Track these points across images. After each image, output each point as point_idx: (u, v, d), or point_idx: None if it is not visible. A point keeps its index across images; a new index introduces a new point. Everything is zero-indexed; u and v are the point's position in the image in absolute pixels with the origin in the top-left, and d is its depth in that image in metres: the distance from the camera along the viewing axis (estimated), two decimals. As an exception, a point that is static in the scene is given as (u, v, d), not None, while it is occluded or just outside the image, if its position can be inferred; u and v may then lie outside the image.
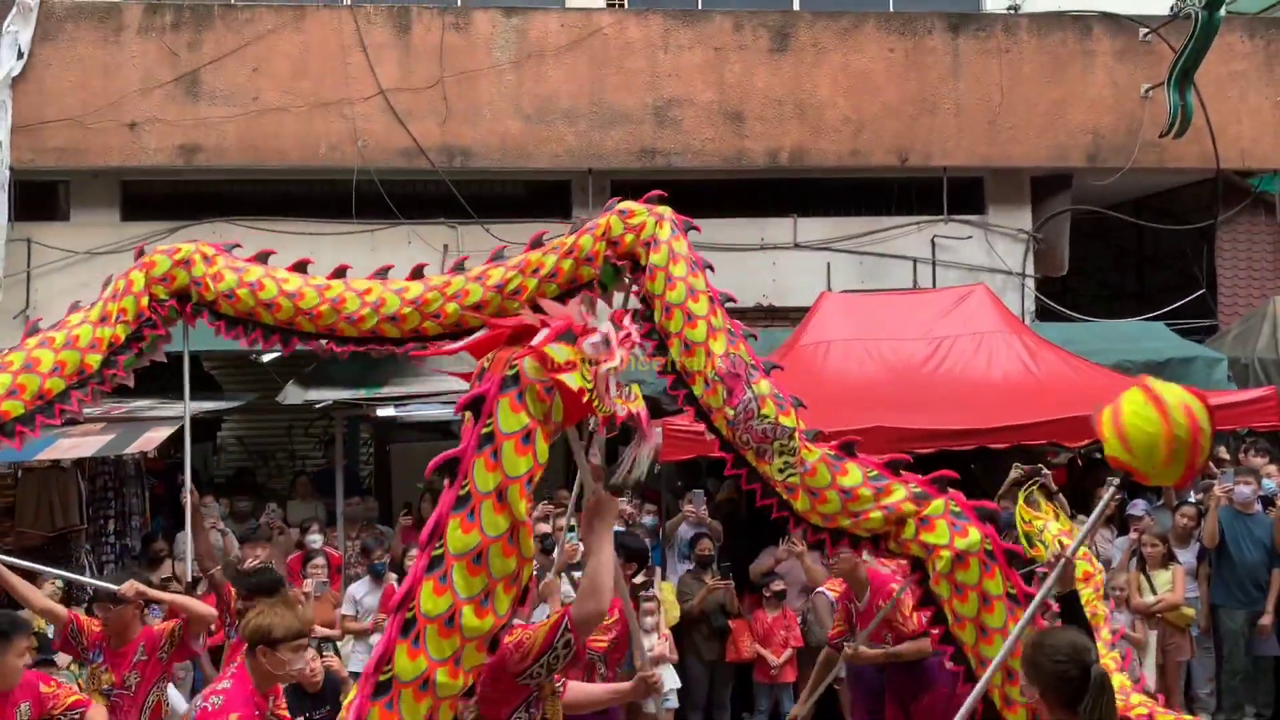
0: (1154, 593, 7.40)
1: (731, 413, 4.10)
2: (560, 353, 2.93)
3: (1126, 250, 13.81)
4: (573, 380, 2.92)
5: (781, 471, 4.08)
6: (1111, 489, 6.24)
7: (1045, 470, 6.82)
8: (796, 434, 4.08)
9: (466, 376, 3.19)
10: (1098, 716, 2.76)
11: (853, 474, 4.12)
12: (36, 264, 10.71)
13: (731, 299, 4.54)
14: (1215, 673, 7.77)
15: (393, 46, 10.98)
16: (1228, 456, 8.62)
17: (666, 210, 4.50)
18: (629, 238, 4.43)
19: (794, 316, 10.43)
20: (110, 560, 8.25)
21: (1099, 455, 8.79)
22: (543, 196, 11.69)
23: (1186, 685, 7.83)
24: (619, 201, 4.60)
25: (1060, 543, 4.61)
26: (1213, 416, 3.31)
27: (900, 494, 4.08)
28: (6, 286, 10.35)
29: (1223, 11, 10.94)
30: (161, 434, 7.46)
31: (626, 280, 4.50)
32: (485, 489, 2.85)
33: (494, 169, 11.16)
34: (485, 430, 2.90)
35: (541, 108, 11.06)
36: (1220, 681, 7.75)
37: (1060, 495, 7.09)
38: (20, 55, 10.45)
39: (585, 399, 2.95)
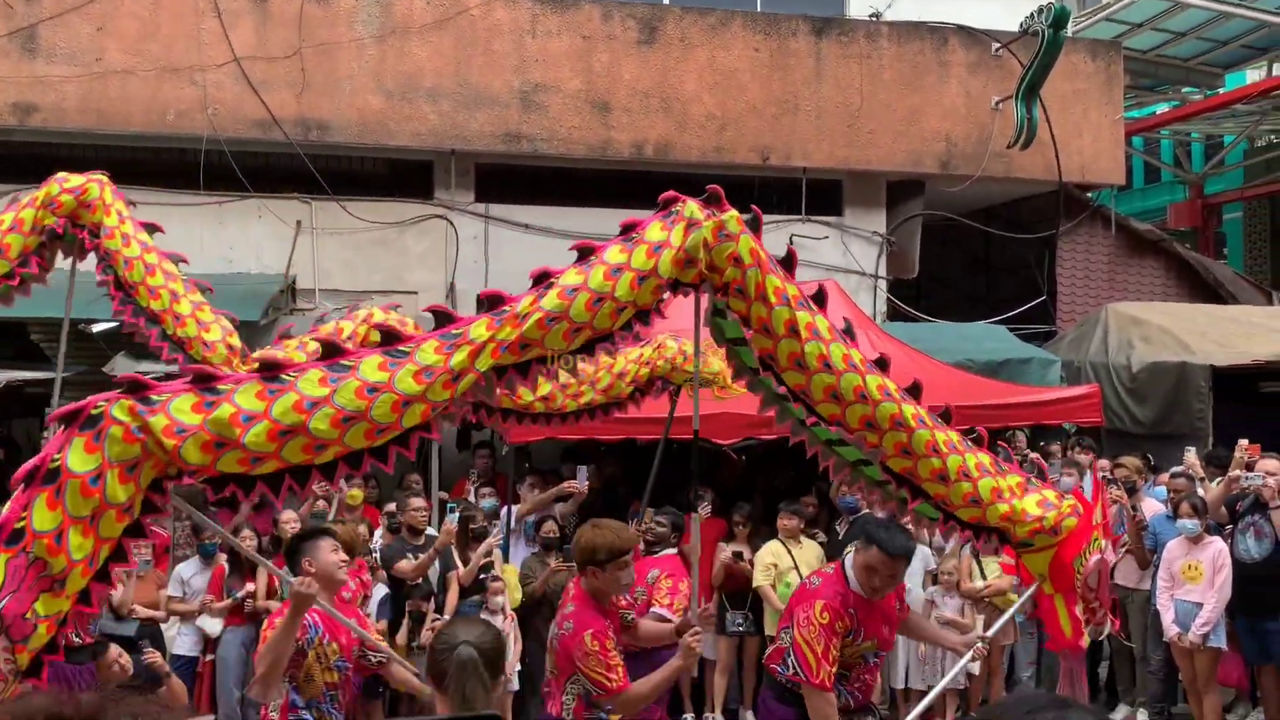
0: (984, 579, 7.67)
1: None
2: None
3: (976, 257, 14.36)
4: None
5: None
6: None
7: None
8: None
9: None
10: (460, 695, 2.95)
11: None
12: None
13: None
14: (1036, 656, 8.09)
15: (249, 13, 10.59)
16: (1056, 450, 9.01)
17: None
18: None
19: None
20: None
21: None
22: (405, 176, 11.46)
23: (1010, 669, 8.14)
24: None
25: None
26: None
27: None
28: None
29: (1068, 30, 11.49)
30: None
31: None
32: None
33: (353, 145, 10.88)
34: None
35: (404, 85, 10.84)
36: (1040, 664, 8.08)
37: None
38: None
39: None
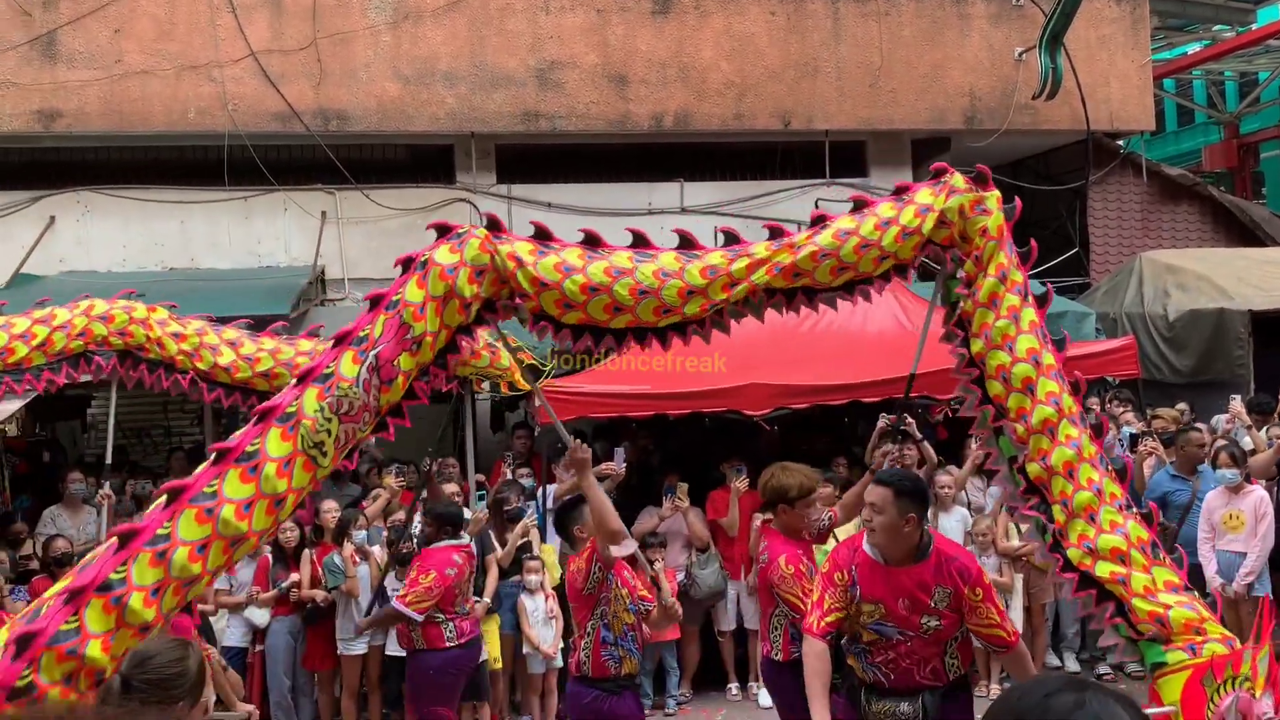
0: (1020, 538, 7.62)
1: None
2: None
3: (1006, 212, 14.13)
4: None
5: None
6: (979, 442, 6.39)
7: (908, 418, 6.97)
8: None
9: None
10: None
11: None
12: (-115, 236, 10.16)
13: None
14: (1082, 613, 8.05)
15: (263, 7, 10.62)
16: (1094, 405, 8.90)
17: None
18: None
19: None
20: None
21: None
22: (426, 161, 11.48)
23: (1055, 626, 8.10)
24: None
25: None
26: None
27: None
28: None
29: (1090, -25, 11.23)
30: (10, 405, 7.11)
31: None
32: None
33: (372, 133, 10.91)
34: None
35: (420, 70, 10.84)
36: (1085, 622, 8.03)
37: (924, 442, 7.27)
38: None
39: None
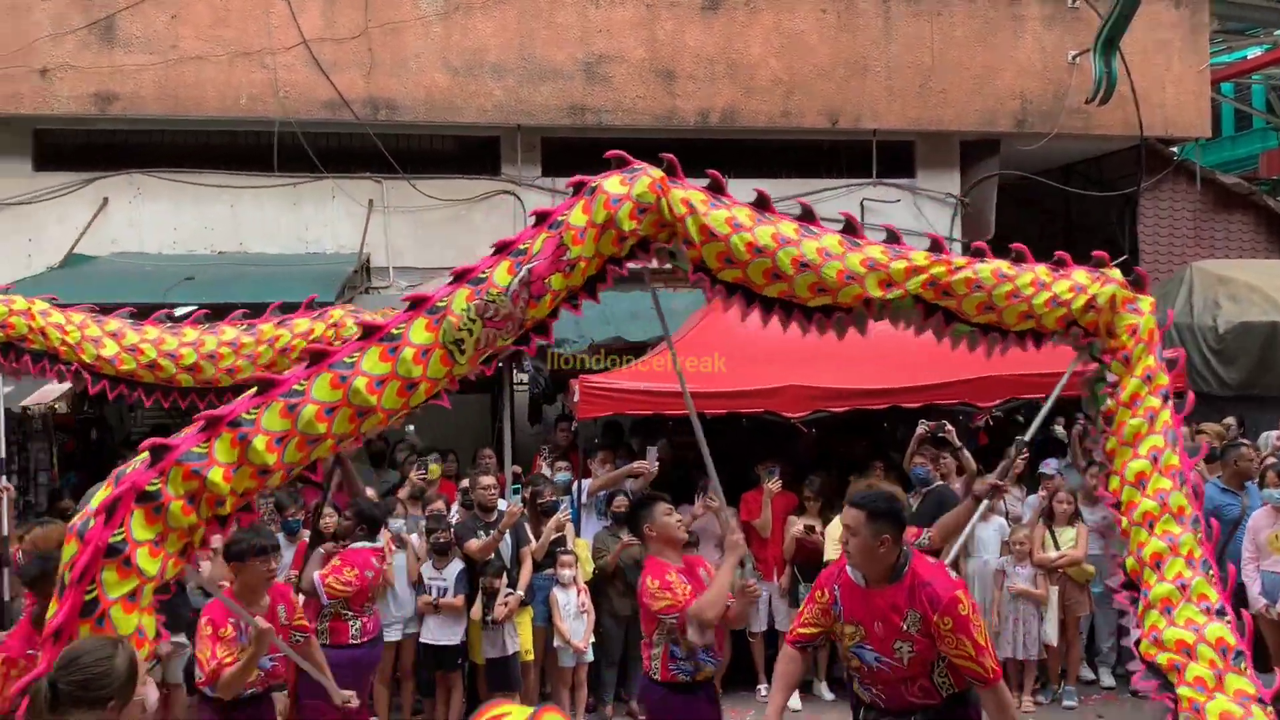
0: (1058, 549, 7.55)
1: None
2: None
3: (1053, 216, 13.98)
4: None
5: None
6: (1017, 449, 6.35)
7: (948, 425, 6.93)
8: None
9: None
10: None
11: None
12: (-56, 213, 10.40)
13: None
14: (1117, 627, 7.96)
15: (316, -5, 10.72)
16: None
17: None
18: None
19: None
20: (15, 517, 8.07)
21: (1005, 415, 8.96)
22: (473, 152, 11.53)
23: (1090, 640, 8.02)
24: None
25: None
26: None
27: None
28: (-89, 236, 10.04)
29: (1149, -21, 11.04)
30: (58, 386, 7.26)
31: None
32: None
33: (420, 123, 10.98)
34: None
35: (469, 61, 10.89)
36: (1121, 637, 7.95)
37: (963, 450, 7.22)
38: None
39: None
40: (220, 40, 10.58)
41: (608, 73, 11.12)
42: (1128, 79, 11.56)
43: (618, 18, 11.16)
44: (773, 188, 12.47)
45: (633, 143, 11.43)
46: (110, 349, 5.50)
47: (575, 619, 7.36)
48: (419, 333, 3.60)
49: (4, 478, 5.87)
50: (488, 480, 7.66)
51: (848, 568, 4.01)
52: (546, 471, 8.57)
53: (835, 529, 7.61)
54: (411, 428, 9.59)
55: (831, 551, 7.54)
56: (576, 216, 3.72)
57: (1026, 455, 7.93)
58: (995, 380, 7.53)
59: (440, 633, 7.03)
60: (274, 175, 10.73)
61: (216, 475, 3.36)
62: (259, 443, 3.39)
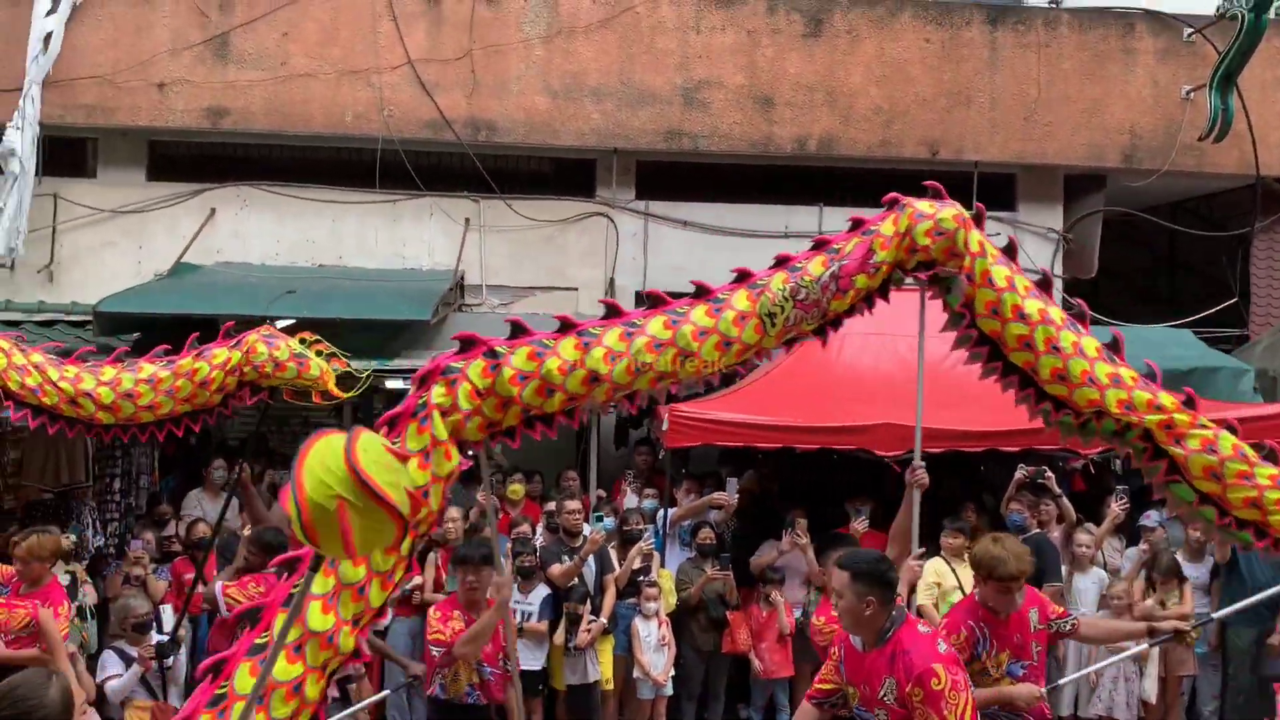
0: (1163, 607, 7.26)
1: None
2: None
3: (1159, 254, 13.55)
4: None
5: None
6: (1116, 497, 6.12)
7: (1048, 471, 6.73)
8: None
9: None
10: None
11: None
12: (62, 219, 10.79)
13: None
14: (1220, 690, 7.63)
15: (423, 16, 10.91)
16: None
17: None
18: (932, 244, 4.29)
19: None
20: (114, 519, 8.31)
21: (1105, 462, 8.66)
22: (568, 174, 11.61)
23: (1190, 702, 7.70)
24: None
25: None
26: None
27: None
28: (31, 241, 10.42)
29: (1271, 14, 10.67)
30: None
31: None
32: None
33: (519, 144, 11.09)
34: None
35: (569, 85, 10.97)
36: (1225, 699, 7.61)
37: (1063, 498, 7.00)
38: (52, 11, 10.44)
39: None
40: (328, 59, 10.83)
41: (706, 98, 11.10)
42: (1244, 116, 11.17)
43: (718, 43, 11.14)
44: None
45: (728, 168, 11.57)
46: (34, 380, 5.43)
47: (656, 651, 7.31)
48: (740, 300, 3.98)
49: None
50: (574, 505, 7.66)
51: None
52: (632, 497, 8.55)
53: (927, 573, 7.43)
54: (499, 447, 9.65)
55: (922, 596, 7.36)
56: (886, 227, 4.13)
57: (1127, 505, 7.68)
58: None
59: (523, 657, 7.02)
60: (375, 192, 10.93)
61: (552, 365, 3.70)
62: (598, 353, 3.77)
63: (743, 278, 4.08)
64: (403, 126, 10.80)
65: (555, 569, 7.21)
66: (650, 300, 4.05)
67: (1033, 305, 4.16)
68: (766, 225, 11.29)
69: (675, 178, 11.53)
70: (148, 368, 5.63)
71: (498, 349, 3.72)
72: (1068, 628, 4.92)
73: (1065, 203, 11.84)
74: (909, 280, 4.32)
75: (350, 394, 6.43)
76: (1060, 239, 11.72)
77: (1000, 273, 4.15)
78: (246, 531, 6.91)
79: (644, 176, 11.49)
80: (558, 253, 11.26)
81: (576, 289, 11.21)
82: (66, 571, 6.73)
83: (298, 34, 10.84)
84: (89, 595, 6.81)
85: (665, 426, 7.77)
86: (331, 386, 6.04)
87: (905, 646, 3.73)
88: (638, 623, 7.29)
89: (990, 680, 4.52)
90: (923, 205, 4.16)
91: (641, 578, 7.40)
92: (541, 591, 7.12)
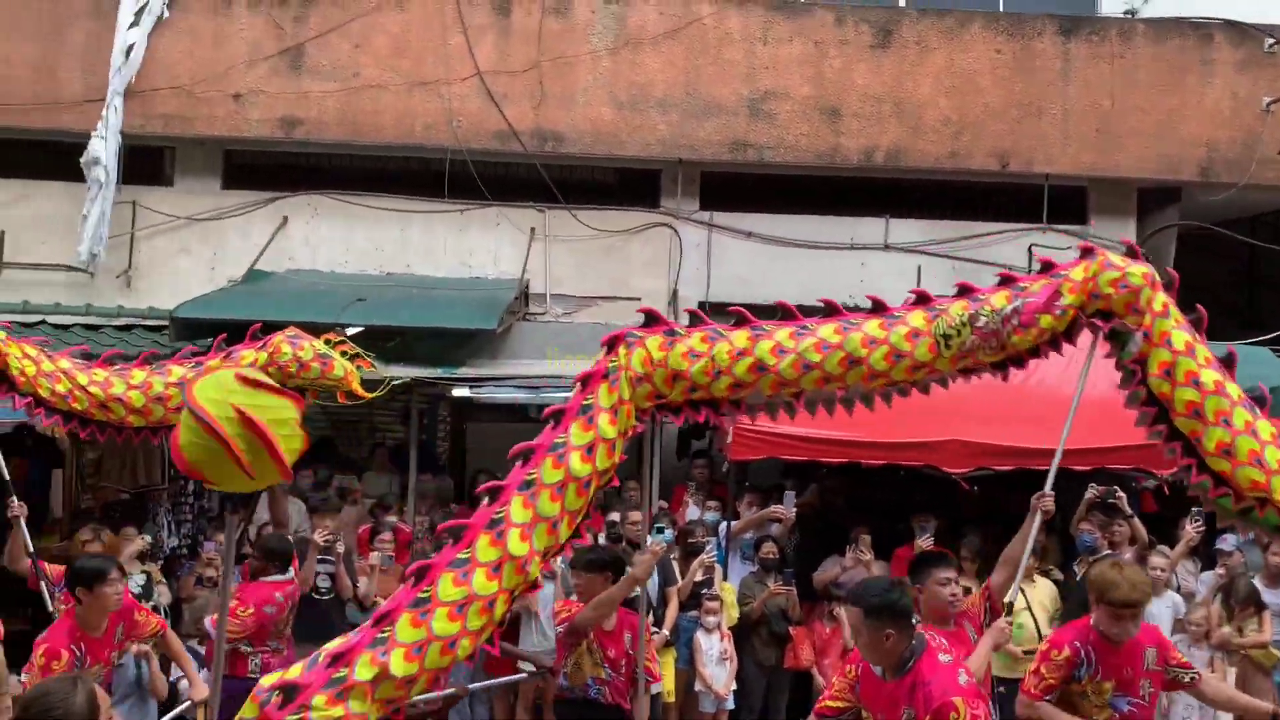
0: (1240, 634, 7.07)
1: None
2: None
3: (1237, 269, 13.20)
4: None
5: None
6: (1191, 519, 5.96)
7: (1119, 491, 6.58)
8: None
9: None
10: None
11: None
12: (140, 226, 11.05)
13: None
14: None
15: (492, 28, 11.03)
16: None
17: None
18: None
19: (879, 320, 10.23)
20: (187, 520, 8.50)
21: (1183, 485, 8.47)
22: (632, 185, 11.65)
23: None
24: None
25: None
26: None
27: None
28: (111, 247, 10.71)
29: (1357, 24, 10.36)
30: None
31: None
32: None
33: (584, 155, 11.15)
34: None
35: (636, 96, 11.02)
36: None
37: (1135, 519, 6.84)
38: (136, 22, 10.73)
39: None
40: (399, 70, 10.99)
41: (772, 109, 11.07)
42: (1328, 128, 10.87)
43: (785, 54, 11.11)
44: (934, 230, 12.30)
45: (793, 179, 11.52)
46: (64, 386, 5.47)
47: (717, 665, 7.29)
48: (916, 318, 4.10)
49: (14, 500, 5.92)
50: (637, 516, 7.66)
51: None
52: (694, 509, 8.54)
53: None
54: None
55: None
56: (1077, 272, 4.15)
57: (1202, 528, 7.49)
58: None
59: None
60: (443, 201, 11.06)
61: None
62: (767, 345, 4.03)
63: (922, 300, 4.18)
64: (471, 137, 10.92)
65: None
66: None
67: (1209, 375, 4.10)
68: (832, 237, 11.22)
69: (740, 189, 11.52)
70: (177, 370, 5.62)
71: (676, 329, 4.05)
72: (1187, 679, 4.72)
73: (1138, 216, 11.60)
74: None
75: (375, 394, 6.41)
76: (1132, 253, 11.46)
77: (1180, 337, 4.11)
78: (316, 536, 7.04)
79: (708, 187, 11.49)
80: (621, 263, 11.29)
81: (639, 299, 11.20)
82: (142, 571, 6.92)
83: (369, 46, 11.02)
84: (163, 595, 6.98)
85: (729, 439, 7.75)
86: (356, 386, 6.04)
87: (926, 678, 3.69)
88: (699, 636, 7.28)
89: (1089, 705, 4.44)
90: (1115, 258, 4.22)
91: (704, 590, 7.39)
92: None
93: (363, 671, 3.28)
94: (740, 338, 4.04)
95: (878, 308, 4.18)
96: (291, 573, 6.57)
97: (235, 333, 6.04)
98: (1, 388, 5.45)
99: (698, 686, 7.29)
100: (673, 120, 11.03)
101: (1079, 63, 11.20)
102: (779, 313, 4.25)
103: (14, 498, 5.94)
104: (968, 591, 7.42)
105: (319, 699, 3.21)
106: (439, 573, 3.52)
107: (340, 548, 7.38)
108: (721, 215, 11.38)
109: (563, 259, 11.20)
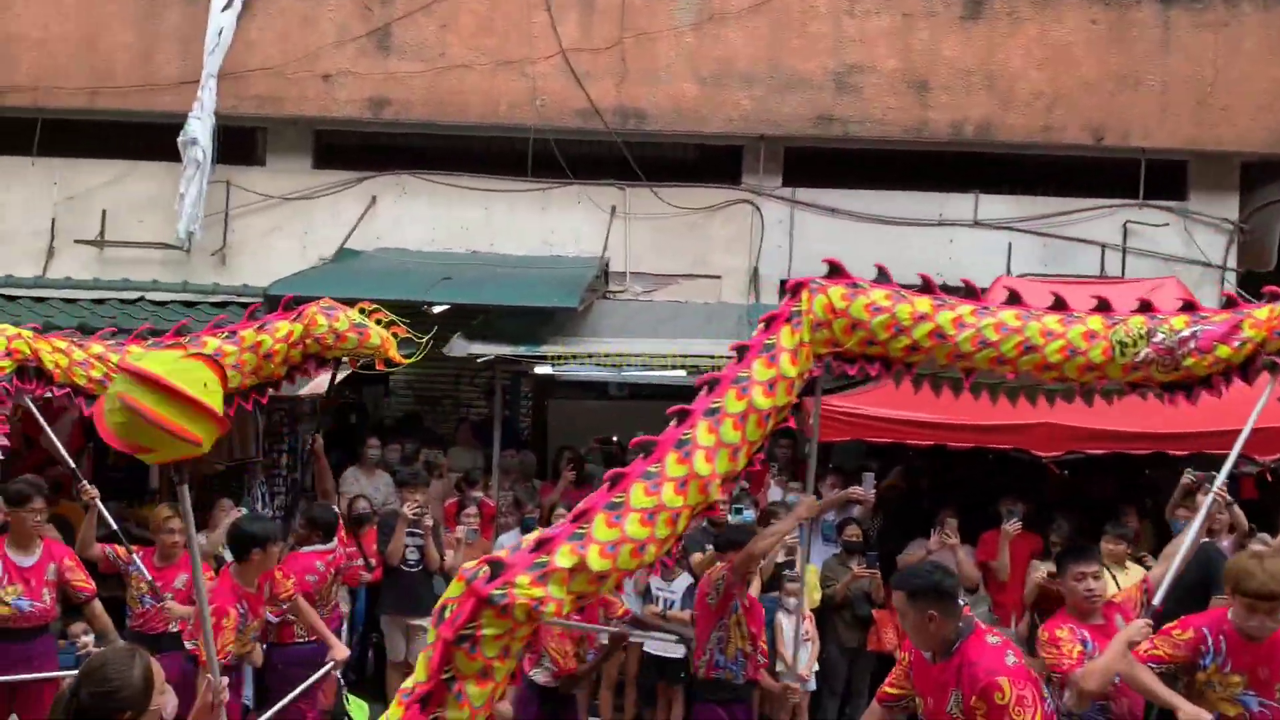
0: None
1: None
2: None
3: (1346, 246, 12.64)
4: None
5: None
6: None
7: (1216, 476, 6.34)
8: None
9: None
10: None
11: None
12: (234, 206, 11.33)
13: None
14: None
15: (575, 5, 11.02)
16: None
17: None
18: None
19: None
20: (281, 493, 8.75)
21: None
22: (714, 161, 11.58)
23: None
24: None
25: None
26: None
27: None
28: (206, 225, 11.00)
29: None
30: (321, 377, 7.72)
31: None
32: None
33: (667, 132, 11.11)
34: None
35: (718, 71, 10.92)
36: None
37: (1235, 505, 6.62)
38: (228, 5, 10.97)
39: None
40: (484, 49, 11.05)
41: (858, 83, 10.89)
42: None
43: (872, 27, 10.91)
44: (1025, 206, 12.01)
45: (879, 154, 11.32)
46: (98, 372, 5.50)
47: (799, 646, 7.25)
48: (1095, 321, 4.19)
49: (86, 484, 5.99)
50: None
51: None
52: (776, 490, 8.51)
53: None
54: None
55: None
56: (1262, 312, 4.24)
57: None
58: (1275, 431, 6.87)
59: (665, 645, 7.09)
60: (526, 180, 11.12)
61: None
62: (948, 315, 4.13)
63: (1102, 307, 4.26)
64: (554, 116, 10.95)
65: (696, 557, 7.25)
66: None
67: None
68: (919, 213, 11.03)
69: (823, 164, 11.36)
70: (212, 342, 5.61)
71: (860, 282, 4.18)
72: None
73: (1242, 191, 11.18)
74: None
75: (412, 359, 6.37)
76: (1235, 229, 11.07)
77: None
78: (405, 510, 7.18)
79: (791, 163, 11.36)
80: (702, 240, 11.24)
81: (720, 276, 11.19)
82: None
83: (455, 26, 11.09)
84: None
85: (812, 420, 7.67)
86: (394, 353, 6.03)
87: (972, 659, 3.76)
88: (780, 617, 7.26)
89: (1215, 696, 4.30)
90: (1263, 312, 4.26)
91: (785, 572, 7.37)
92: (685, 580, 7.17)
93: (563, 559, 3.37)
94: (923, 303, 4.12)
95: (1059, 304, 4.26)
96: (335, 542, 6.66)
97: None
98: (39, 383, 5.54)
99: (779, 667, 7.28)
100: (756, 95, 10.91)
101: (1180, 32, 10.79)
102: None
103: (85, 482, 6.06)
104: (1054, 576, 7.33)
105: (523, 579, 3.29)
106: (631, 481, 3.62)
107: (428, 521, 7.55)
108: (804, 191, 11.25)
109: (643, 237, 11.19)
